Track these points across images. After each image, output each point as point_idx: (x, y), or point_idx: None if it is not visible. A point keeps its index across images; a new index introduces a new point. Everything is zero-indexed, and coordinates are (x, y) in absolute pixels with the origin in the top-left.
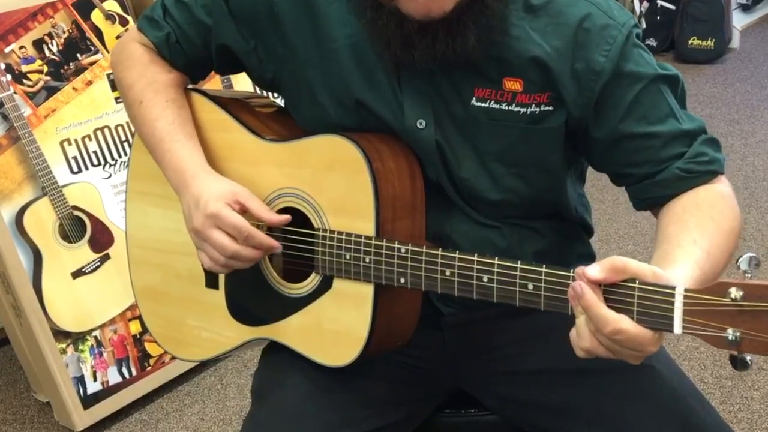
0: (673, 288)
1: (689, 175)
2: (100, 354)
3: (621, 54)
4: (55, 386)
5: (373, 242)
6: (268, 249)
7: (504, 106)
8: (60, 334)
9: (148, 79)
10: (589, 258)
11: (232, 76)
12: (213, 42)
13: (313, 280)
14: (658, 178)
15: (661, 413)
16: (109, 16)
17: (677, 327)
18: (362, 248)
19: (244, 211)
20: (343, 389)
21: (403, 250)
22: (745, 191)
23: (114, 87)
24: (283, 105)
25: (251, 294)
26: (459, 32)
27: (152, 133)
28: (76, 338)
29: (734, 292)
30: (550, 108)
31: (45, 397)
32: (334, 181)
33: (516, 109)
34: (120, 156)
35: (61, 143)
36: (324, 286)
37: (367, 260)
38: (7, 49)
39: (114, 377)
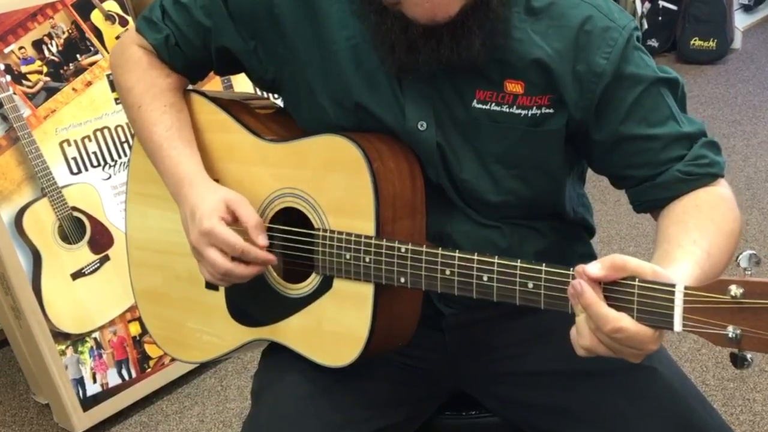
0: (673, 286)
1: (689, 177)
2: (100, 356)
3: (622, 56)
4: (55, 388)
5: (373, 242)
6: (263, 263)
7: (505, 108)
8: (59, 336)
9: (146, 83)
10: (590, 258)
11: (232, 77)
12: (212, 43)
13: (313, 281)
14: (658, 181)
15: (662, 415)
16: (109, 17)
17: (677, 325)
18: (362, 248)
19: (237, 220)
20: (343, 390)
21: (403, 250)
22: (747, 192)
23: (114, 88)
24: (282, 106)
25: (251, 295)
26: (464, 36)
27: (150, 138)
28: (75, 340)
29: (734, 290)
30: (551, 110)
31: (44, 399)
32: (334, 181)
33: (517, 111)
34: (120, 157)
35: (61, 144)
36: (324, 287)
37: (367, 260)
38: (6, 50)
39: (113, 379)
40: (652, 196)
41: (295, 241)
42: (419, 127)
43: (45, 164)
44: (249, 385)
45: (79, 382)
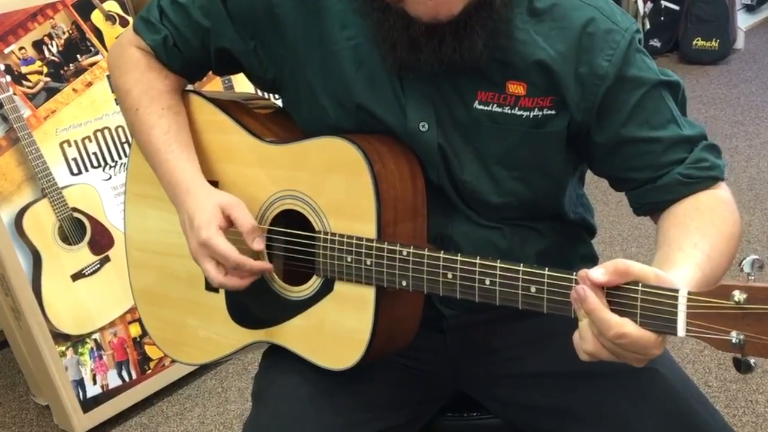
0: (677, 291)
1: (690, 180)
2: (100, 357)
3: (624, 59)
4: (55, 389)
5: (374, 245)
6: (259, 273)
7: (507, 110)
8: (59, 337)
9: (144, 86)
10: (592, 259)
11: (232, 77)
12: (211, 44)
13: (314, 283)
14: (658, 183)
15: (664, 416)
16: (110, 17)
17: (681, 330)
18: (363, 251)
19: (233, 224)
20: (344, 392)
21: (404, 253)
22: (749, 193)
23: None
24: (282, 106)
25: (252, 297)
26: (466, 36)
27: (148, 141)
28: (75, 341)
29: (738, 295)
30: (553, 112)
31: (44, 400)
32: (335, 183)
33: (519, 112)
34: (120, 157)
35: (61, 144)
36: (325, 289)
37: (369, 263)
38: (6, 50)
39: (114, 380)
40: (653, 199)
41: (295, 243)
42: (420, 127)
43: (45, 165)
44: (250, 386)
45: (80, 383)
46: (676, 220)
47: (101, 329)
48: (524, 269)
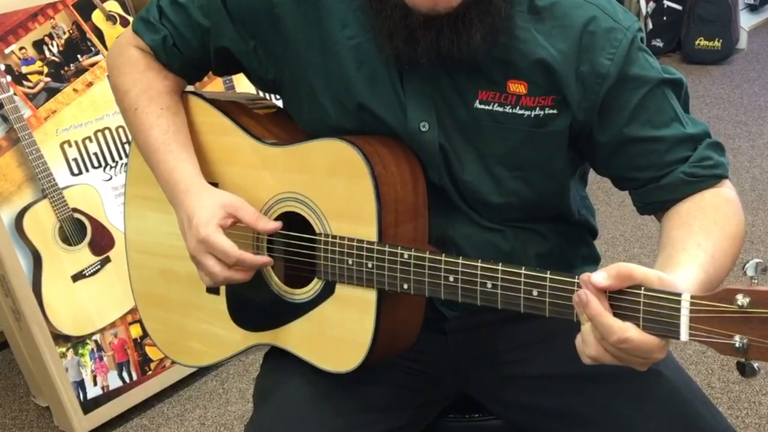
0: (680, 295)
1: (694, 179)
2: (101, 358)
3: (626, 57)
4: (55, 391)
5: (375, 248)
6: (259, 267)
7: (508, 109)
8: (60, 338)
9: (143, 86)
10: (594, 260)
11: (234, 77)
12: (211, 44)
13: (315, 286)
14: (662, 183)
15: (667, 418)
16: (110, 17)
17: (683, 334)
18: (364, 254)
19: (237, 222)
20: (346, 394)
21: (405, 256)
22: (752, 193)
23: None
24: (282, 106)
25: (253, 299)
26: (464, 29)
27: (147, 141)
28: (76, 342)
29: (741, 299)
30: (555, 111)
31: (44, 401)
32: (336, 186)
33: (520, 112)
34: (121, 158)
35: (62, 145)
36: (326, 292)
37: (370, 266)
38: (7, 50)
39: (114, 382)
40: (657, 198)
41: (297, 246)
42: (421, 127)
43: (45, 165)
44: (251, 388)
45: (80, 384)
46: (680, 219)
47: (102, 330)
48: (526, 272)
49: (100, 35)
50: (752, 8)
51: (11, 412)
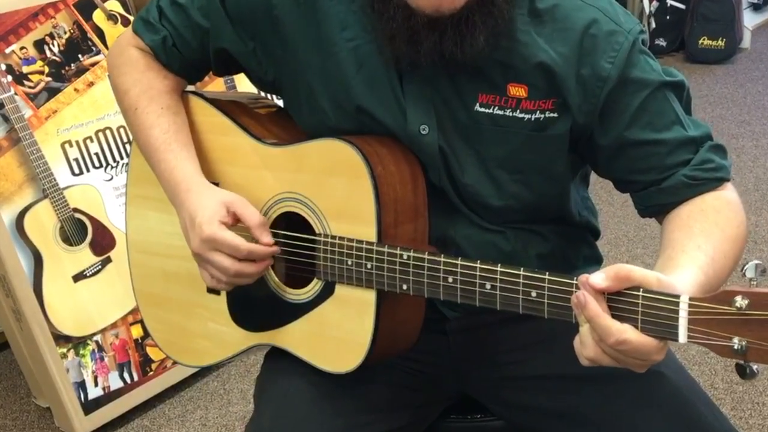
0: (678, 297)
1: (695, 182)
2: (101, 359)
3: (627, 60)
4: (56, 391)
5: (374, 248)
6: (271, 255)
7: (508, 112)
8: (61, 339)
9: (143, 86)
10: (596, 261)
11: (235, 77)
12: (210, 45)
13: (315, 286)
14: (663, 185)
15: (670, 419)
16: (111, 17)
17: (682, 336)
18: (364, 254)
19: (239, 221)
20: (346, 395)
21: (404, 257)
22: (756, 193)
23: None
24: (282, 106)
25: (253, 299)
26: (468, 31)
27: (147, 141)
28: (76, 343)
29: (740, 301)
30: (555, 114)
31: (45, 402)
32: (335, 186)
33: (520, 115)
34: (122, 158)
35: (62, 145)
36: (326, 292)
37: (369, 266)
38: (7, 50)
39: (115, 382)
40: (658, 201)
41: (296, 246)
42: (421, 130)
43: (46, 165)
44: (252, 388)
45: (81, 385)
46: (680, 222)
47: (102, 331)
48: (525, 273)
49: (101, 35)
50: (756, 7)
51: (12, 413)
